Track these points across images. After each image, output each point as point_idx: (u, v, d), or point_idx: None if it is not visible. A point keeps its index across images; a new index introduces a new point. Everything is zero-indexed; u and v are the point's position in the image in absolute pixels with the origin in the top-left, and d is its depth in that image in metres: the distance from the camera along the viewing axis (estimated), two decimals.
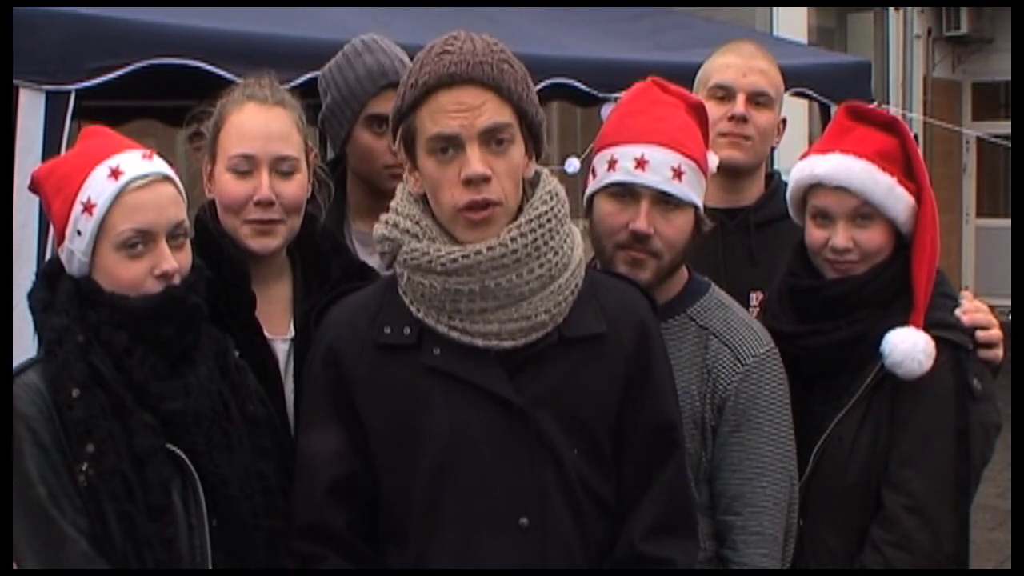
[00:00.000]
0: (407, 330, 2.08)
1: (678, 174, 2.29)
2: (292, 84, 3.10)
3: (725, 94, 2.97)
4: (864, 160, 2.41)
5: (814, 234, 2.49)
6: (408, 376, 2.06)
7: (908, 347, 2.34)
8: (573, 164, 2.61)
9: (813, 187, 2.47)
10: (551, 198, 2.10)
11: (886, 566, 2.35)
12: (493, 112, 2.00)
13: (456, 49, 2.01)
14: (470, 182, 1.99)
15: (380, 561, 2.10)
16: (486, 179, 1.99)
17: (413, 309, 2.08)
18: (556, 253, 2.06)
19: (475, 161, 1.99)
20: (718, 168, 2.50)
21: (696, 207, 2.35)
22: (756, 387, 2.33)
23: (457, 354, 2.04)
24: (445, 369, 2.05)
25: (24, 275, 2.31)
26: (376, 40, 2.86)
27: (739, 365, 2.33)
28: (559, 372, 2.06)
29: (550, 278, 2.05)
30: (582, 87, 4.84)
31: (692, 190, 2.33)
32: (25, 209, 2.97)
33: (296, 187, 2.37)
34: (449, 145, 2.00)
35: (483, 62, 2.00)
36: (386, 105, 2.72)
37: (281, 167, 2.35)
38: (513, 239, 2.02)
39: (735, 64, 3.01)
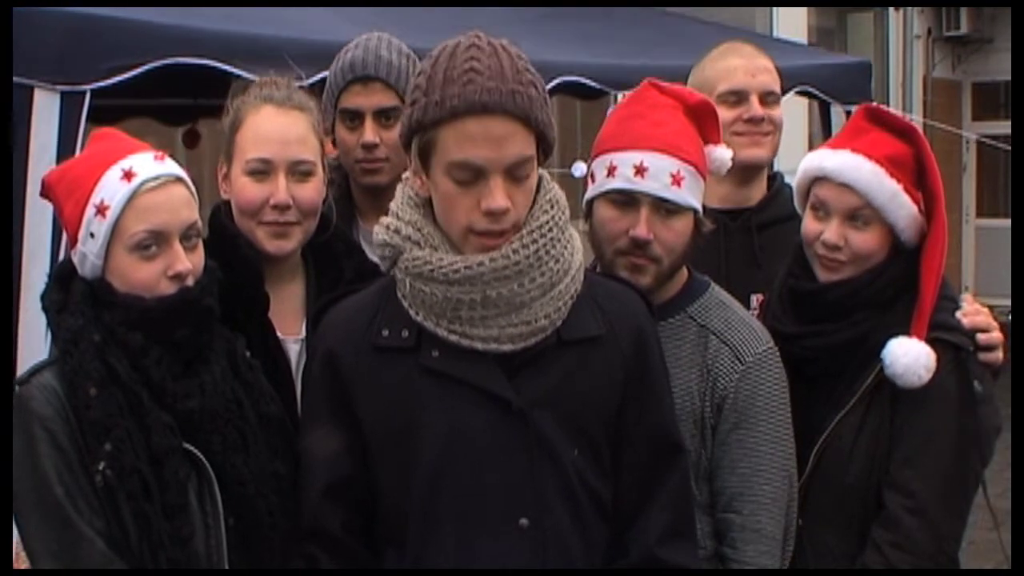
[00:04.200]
0: (405, 332, 2.07)
1: (677, 180, 2.29)
2: (304, 84, 3.11)
3: (737, 98, 2.94)
4: (873, 162, 2.41)
5: (809, 225, 2.50)
6: (406, 378, 2.05)
7: (910, 361, 2.34)
8: (580, 168, 2.60)
9: (818, 179, 2.48)
10: (551, 207, 2.08)
11: (887, 566, 2.35)
12: (521, 146, 1.97)
13: (484, 69, 1.94)
14: (491, 213, 1.98)
15: (376, 563, 2.10)
16: (506, 212, 1.99)
17: (412, 313, 2.07)
18: (557, 261, 2.06)
19: (499, 195, 1.96)
20: (733, 166, 2.49)
21: (695, 210, 2.36)
22: (755, 385, 2.34)
23: (456, 356, 2.04)
24: (443, 370, 2.04)
25: (36, 276, 2.30)
26: (368, 36, 2.82)
27: (738, 364, 2.34)
28: (558, 373, 2.06)
29: (551, 285, 2.05)
30: (588, 83, 4.83)
31: (691, 195, 2.33)
32: (39, 210, 2.95)
33: (312, 190, 2.38)
34: (472, 174, 1.97)
35: (515, 91, 1.94)
36: (352, 99, 2.74)
37: (298, 170, 2.36)
38: (515, 251, 2.01)
39: (741, 66, 2.98)
